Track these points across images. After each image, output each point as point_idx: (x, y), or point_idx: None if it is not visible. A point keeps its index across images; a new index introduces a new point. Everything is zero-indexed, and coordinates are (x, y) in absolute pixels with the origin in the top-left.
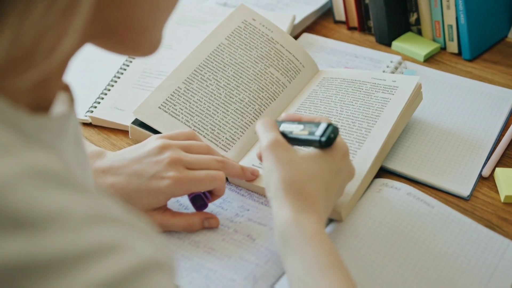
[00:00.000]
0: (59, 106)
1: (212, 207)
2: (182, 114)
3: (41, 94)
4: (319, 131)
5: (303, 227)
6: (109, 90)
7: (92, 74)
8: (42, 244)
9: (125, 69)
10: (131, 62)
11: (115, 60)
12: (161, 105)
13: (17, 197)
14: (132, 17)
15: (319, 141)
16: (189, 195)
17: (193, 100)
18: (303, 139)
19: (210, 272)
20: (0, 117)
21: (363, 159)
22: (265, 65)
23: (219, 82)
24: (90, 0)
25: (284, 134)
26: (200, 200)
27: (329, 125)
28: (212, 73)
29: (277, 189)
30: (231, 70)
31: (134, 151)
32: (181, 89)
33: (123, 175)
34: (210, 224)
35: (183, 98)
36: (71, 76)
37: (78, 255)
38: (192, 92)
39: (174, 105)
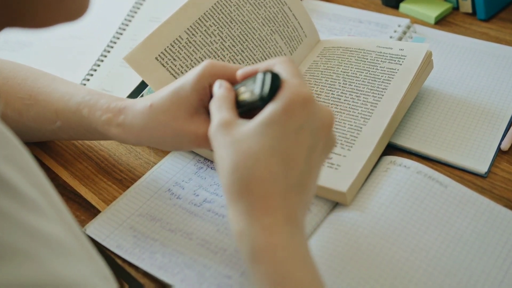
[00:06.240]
0: None
1: (205, 193)
2: (182, 73)
3: None
4: (257, 88)
5: (247, 242)
6: (95, 70)
7: (77, 53)
8: None
9: (112, 47)
10: (118, 38)
11: (101, 37)
12: (159, 56)
13: None
14: None
15: (261, 99)
16: None
17: (195, 58)
18: (248, 103)
19: (203, 269)
20: None
21: (368, 136)
22: (271, 30)
23: (224, 41)
24: None
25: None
26: None
27: (265, 74)
28: (217, 27)
29: (222, 184)
30: (237, 29)
31: None
32: (182, 39)
33: None
34: None
35: (184, 53)
36: (54, 56)
37: None
38: (195, 47)
39: (174, 59)
